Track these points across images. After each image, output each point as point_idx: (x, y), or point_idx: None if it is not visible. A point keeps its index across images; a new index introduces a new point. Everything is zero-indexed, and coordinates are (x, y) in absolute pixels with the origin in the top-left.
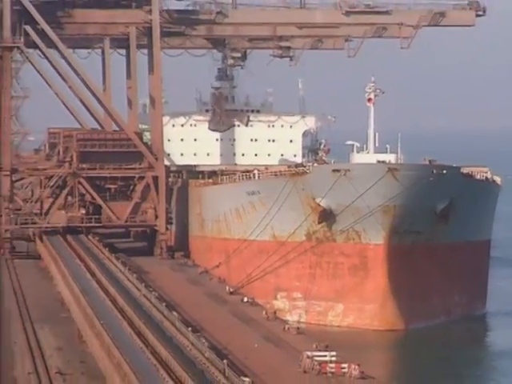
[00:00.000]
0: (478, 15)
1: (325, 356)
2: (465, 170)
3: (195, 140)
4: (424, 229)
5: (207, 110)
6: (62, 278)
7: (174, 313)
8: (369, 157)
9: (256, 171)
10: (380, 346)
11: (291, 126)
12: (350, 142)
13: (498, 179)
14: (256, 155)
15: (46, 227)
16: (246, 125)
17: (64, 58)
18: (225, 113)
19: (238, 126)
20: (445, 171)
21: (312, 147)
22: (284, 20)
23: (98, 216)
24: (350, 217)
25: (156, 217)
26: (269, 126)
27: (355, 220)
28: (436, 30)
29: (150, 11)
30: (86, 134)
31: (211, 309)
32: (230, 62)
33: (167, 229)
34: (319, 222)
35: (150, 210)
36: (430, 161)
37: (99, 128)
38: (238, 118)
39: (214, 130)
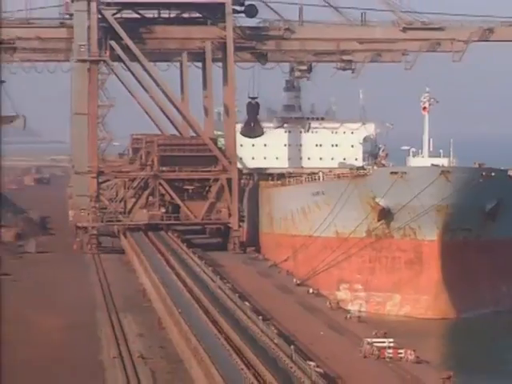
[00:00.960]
0: None
1: (383, 342)
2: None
3: (265, 145)
4: (474, 226)
5: (276, 118)
6: (143, 270)
7: (246, 303)
8: (423, 160)
9: (320, 174)
10: (434, 333)
11: (352, 132)
12: (405, 147)
13: None
14: (320, 159)
15: (130, 224)
16: (308, 131)
17: (146, 70)
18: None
19: (304, 132)
20: (493, 174)
21: (372, 152)
22: (346, 36)
23: (176, 214)
24: (407, 215)
25: (229, 215)
26: (332, 133)
27: (411, 218)
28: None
29: (224, 28)
30: (166, 139)
31: (280, 299)
32: (297, 74)
33: (240, 226)
34: (378, 220)
35: (224, 209)
36: (479, 164)
37: (178, 134)
38: (302, 125)
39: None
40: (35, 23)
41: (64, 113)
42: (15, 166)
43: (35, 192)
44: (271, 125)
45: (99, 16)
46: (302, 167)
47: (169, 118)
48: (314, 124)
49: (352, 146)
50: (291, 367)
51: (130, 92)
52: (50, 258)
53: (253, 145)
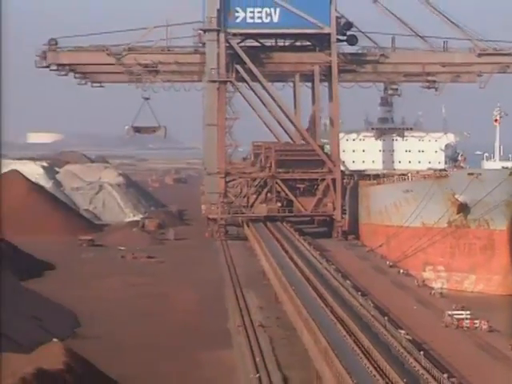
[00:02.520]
0: None
1: (461, 314)
2: None
3: (363, 151)
4: None
5: (373, 128)
6: (263, 254)
7: (347, 281)
8: (495, 164)
9: (409, 175)
10: (504, 307)
11: (436, 140)
12: (478, 152)
13: None
14: (409, 162)
15: (251, 216)
16: (402, 138)
17: (265, 89)
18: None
19: (396, 140)
20: None
21: (452, 156)
22: (431, 60)
23: (290, 208)
24: (481, 209)
25: (334, 208)
26: (419, 140)
27: (485, 211)
28: None
29: (329, 54)
30: (282, 146)
31: (375, 278)
32: (390, 92)
33: (342, 218)
34: (457, 213)
35: (329, 204)
36: None
37: (291, 141)
38: (397, 133)
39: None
40: (174, 50)
41: (197, 124)
42: (158, 168)
43: (174, 189)
44: (368, 134)
45: (227, 44)
46: (394, 169)
47: (283, 129)
48: (404, 133)
49: (435, 152)
50: (385, 334)
51: (251, 107)
52: (186, 244)
53: (353, 150)
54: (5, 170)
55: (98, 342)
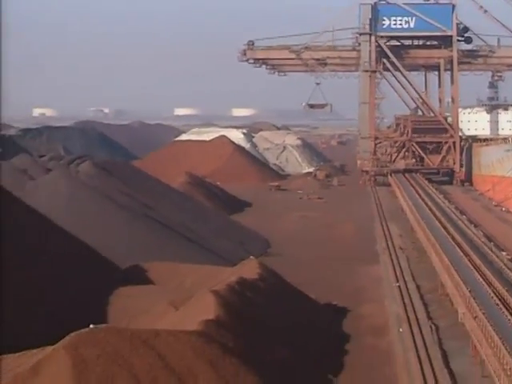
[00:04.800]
0: None
1: None
2: None
3: (476, 121)
4: None
5: (483, 105)
6: (401, 196)
7: (464, 216)
8: None
9: (510, 138)
10: None
11: None
12: None
13: None
14: (510, 130)
15: (393, 169)
16: (505, 112)
17: (404, 76)
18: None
19: (500, 113)
20: None
21: None
22: None
23: (421, 163)
24: None
25: (454, 163)
26: None
27: None
28: None
29: (451, 50)
30: (416, 118)
31: (484, 214)
32: (496, 78)
33: (460, 170)
34: None
35: (450, 160)
36: None
37: (422, 114)
38: (502, 108)
39: None
40: (338, 48)
41: (354, 102)
42: (325, 134)
43: (337, 149)
44: (479, 109)
45: (376, 44)
46: (498, 135)
47: (417, 105)
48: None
49: None
50: (491, 255)
51: (394, 89)
52: (346, 189)
53: (468, 121)
54: (216, 135)
55: (283, 259)
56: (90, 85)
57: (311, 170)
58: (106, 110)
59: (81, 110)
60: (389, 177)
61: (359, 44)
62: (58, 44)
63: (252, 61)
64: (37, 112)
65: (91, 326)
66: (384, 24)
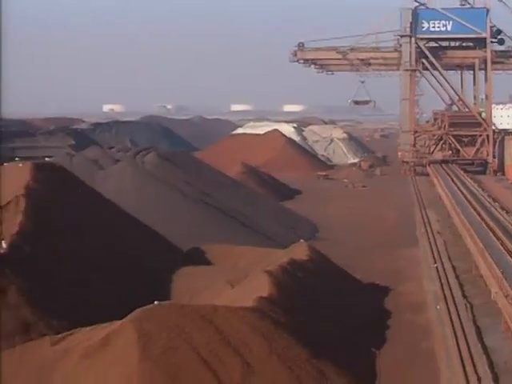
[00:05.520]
0: None
1: None
2: None
3: (508, 116)
4: None
5: None
6: (439, 185)
7: (496, 203)
8: None
9: None
10: None
11: None
12: None
13: None
14: None
15: (431, 160)
16: None
17: (441, 75)
18: None
19: None
20: None
21: None
22: None
23: (457, 154)
24: None
25: (487, 154)
26: None
27: None
28: None
29: (485, 51)
30: (453, 113)
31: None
32: None
33: (493, 160)
34: None
35: (484, 151)
36: None
37: (458, 110)
38: None
39: None
40: (381, 49)
41: (395, 98)
42: (369, 128)
43: (380, 142)
44: (510, 105)
45: (416, 45)
46: None
47: (453, 101)
48: None
49: None
50: None
51: (432, 87)
52: (387, 178)
53: (501, 116)
54: (269, 129)
55: (329, 242)
56: (154, 83)
57: (356, 160)
58: (169, 106)
59: (146, 106)
60: (427, 167)
61: (400, 45)
62: (127, 45)
63: (302, 61)
64: (106, 108)
65: (155, 302)
66: (423, 27)
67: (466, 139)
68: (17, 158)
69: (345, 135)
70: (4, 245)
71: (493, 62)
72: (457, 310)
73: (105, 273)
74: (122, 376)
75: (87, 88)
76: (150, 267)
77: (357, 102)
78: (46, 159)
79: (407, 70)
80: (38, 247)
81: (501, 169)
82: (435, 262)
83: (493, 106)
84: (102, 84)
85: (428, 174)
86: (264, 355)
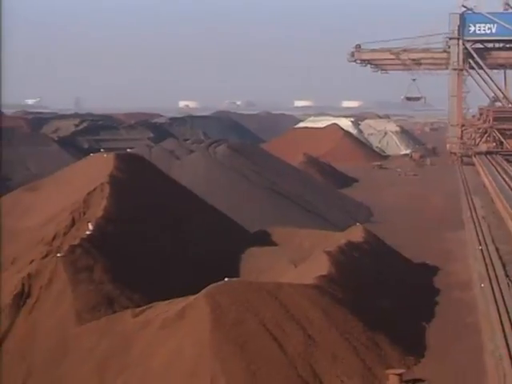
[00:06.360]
0: None
1: None
2: None
3: None
4: None
5: None
6: (484, 173)
7: None
8: None
9: None
10: None
11: None
12: None
13: None
14: None
15: (476, 151)
16: None
17: (486, 74)
18: None
19: None
20: None
21: None
22: None
23: (501, 146)
24: None
25: None
26: None
27: None
28: None
29: None
30: (497, 108)
31: None
32: None
33: None
34: None
35: None
36: None
37: (502, 106)
38: None
39: None
40: (431, 50)
41: (444, 95)
42: (420, 122)
43: (430, 135)
44: None
45: (463, 47)
46: None
47: (497, 98)
48: None
49: None
50: None
51: (478, 85)
52: (437, 168)
53: None
54: (328, 123)
55: (383, 225)
56: (225, 80)
57: (408, 152)
58: (238, 102)
59: (218, 102)
60: (473, 158)
61: (449, 47)
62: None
63: (359, 61)
64: (182, 104)
65: (226, 279)
66: (470, 30)
67: (509, 132)
68: (102, 149)
69: (398, 128)
70: (91, 227)
71: None
72: (500, 288)
73: (180, 253)
74: (196, 345)
75: (165, 86)
76: (221, 248)
77: (409, 99)
78: (128, 150)
79: (455, 69)
80: (120, 229)
81: None
82: (480, 244)
83: None
84: (179, 82)
85: (474, 164)
86: (324, 328)
